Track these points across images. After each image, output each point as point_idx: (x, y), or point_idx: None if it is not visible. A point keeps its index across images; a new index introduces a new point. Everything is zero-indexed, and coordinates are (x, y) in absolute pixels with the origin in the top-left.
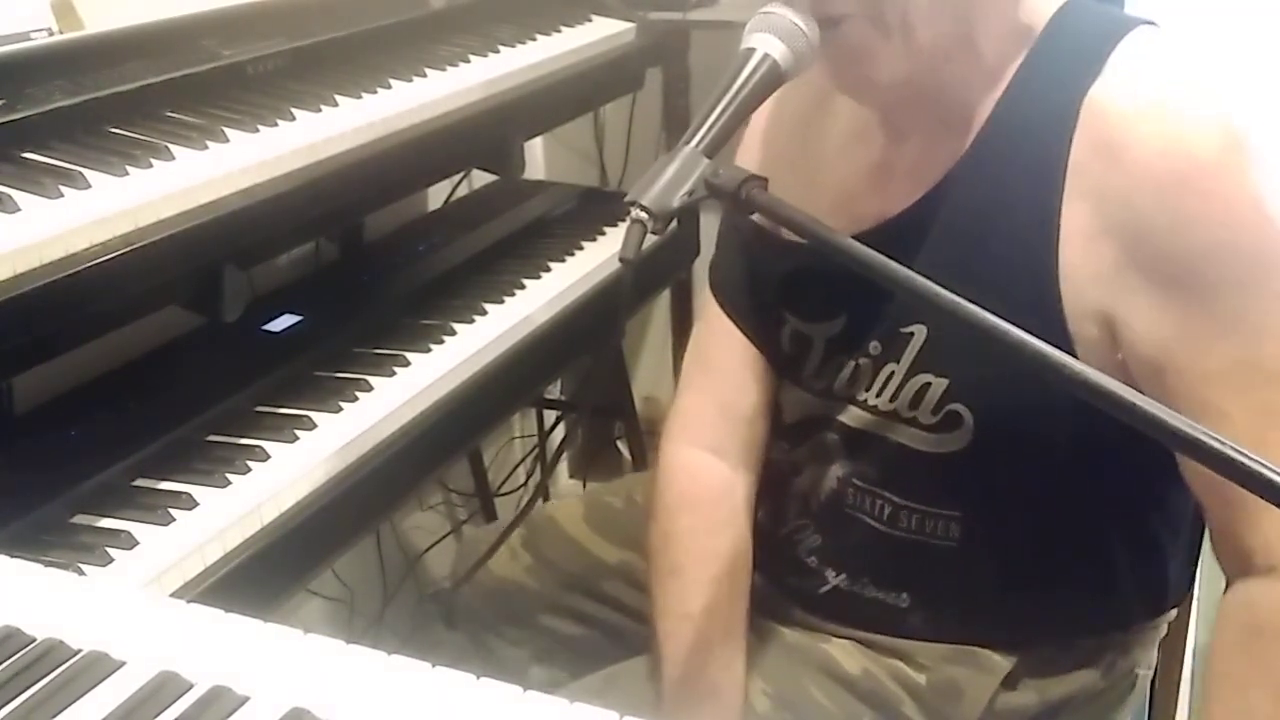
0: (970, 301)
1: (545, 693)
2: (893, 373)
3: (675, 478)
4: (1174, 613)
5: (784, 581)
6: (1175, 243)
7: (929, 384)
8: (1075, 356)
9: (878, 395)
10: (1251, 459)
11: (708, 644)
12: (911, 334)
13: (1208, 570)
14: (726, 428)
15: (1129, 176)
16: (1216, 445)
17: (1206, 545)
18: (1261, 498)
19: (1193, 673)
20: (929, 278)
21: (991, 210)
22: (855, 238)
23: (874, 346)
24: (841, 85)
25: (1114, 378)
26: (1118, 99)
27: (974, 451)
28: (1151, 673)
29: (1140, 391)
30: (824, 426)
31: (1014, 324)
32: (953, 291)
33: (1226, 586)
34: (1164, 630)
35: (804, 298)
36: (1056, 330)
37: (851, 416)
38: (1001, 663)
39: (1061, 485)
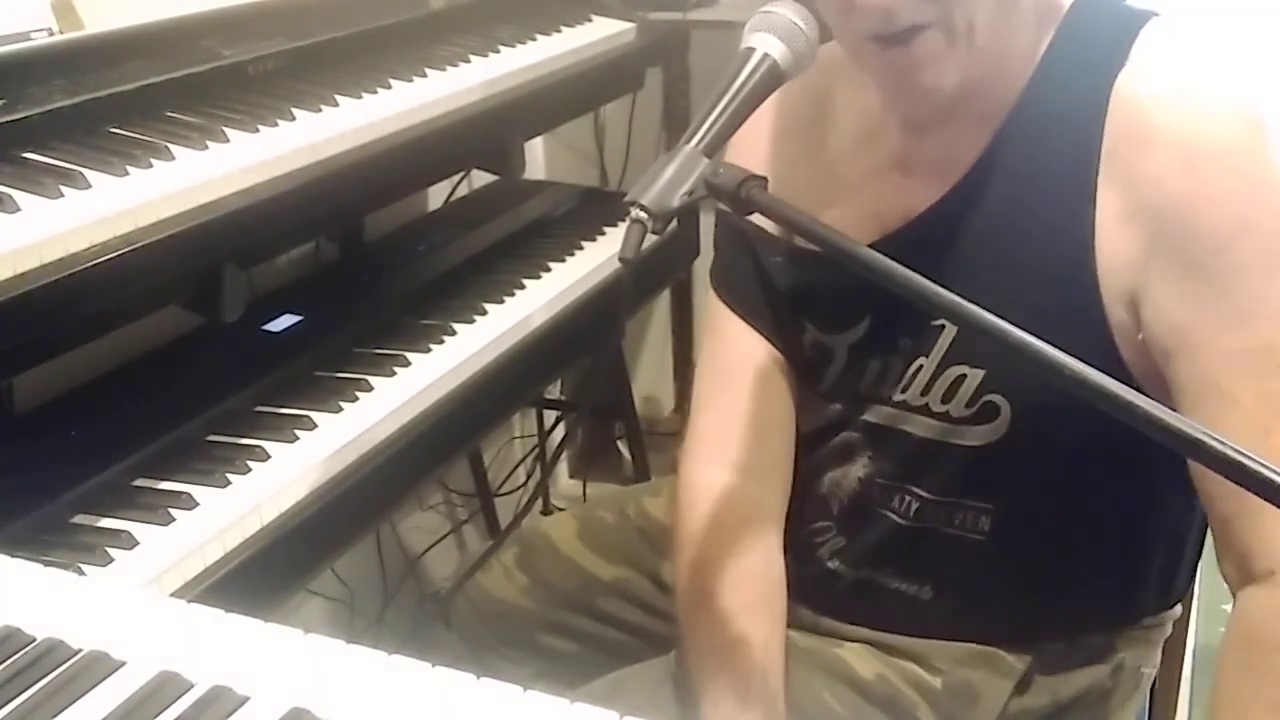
0: (1008, 291)
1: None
2: (922, 366)
3: (698, 501)
4: (1179, 609)
5: (801, 583)
6: (1202, 221)
7: (964, 376)
8: (1114, 343)
9: (904, 390)
10: (1253, 459)
11: (748, 677)
12: (942, 326)
13: (1207, 569)
14: (751, 441)
15: (1159, 159)
16: (1218, 446)
17: (1209, 541)
18: (1262, 498)
19: (1193, 672)
20: (964, 270)
21: (1024, 200)
22: (884, 239)
23: (903, 343)
24: (904, 98)
25: (1136, 361)
26: (1145, 86)
27: (1010, 442)
28: (1153, 671)
29: (1157, 372)
30: (845, 428)
31: (1053, 314)
32: (990, 282)
33: (1233, 600)
34: (1169, 629)
35: (822, 308)
36: (1096, 318)
37: (877, 414)
38: (1015, 664)
39: (1095, 475)
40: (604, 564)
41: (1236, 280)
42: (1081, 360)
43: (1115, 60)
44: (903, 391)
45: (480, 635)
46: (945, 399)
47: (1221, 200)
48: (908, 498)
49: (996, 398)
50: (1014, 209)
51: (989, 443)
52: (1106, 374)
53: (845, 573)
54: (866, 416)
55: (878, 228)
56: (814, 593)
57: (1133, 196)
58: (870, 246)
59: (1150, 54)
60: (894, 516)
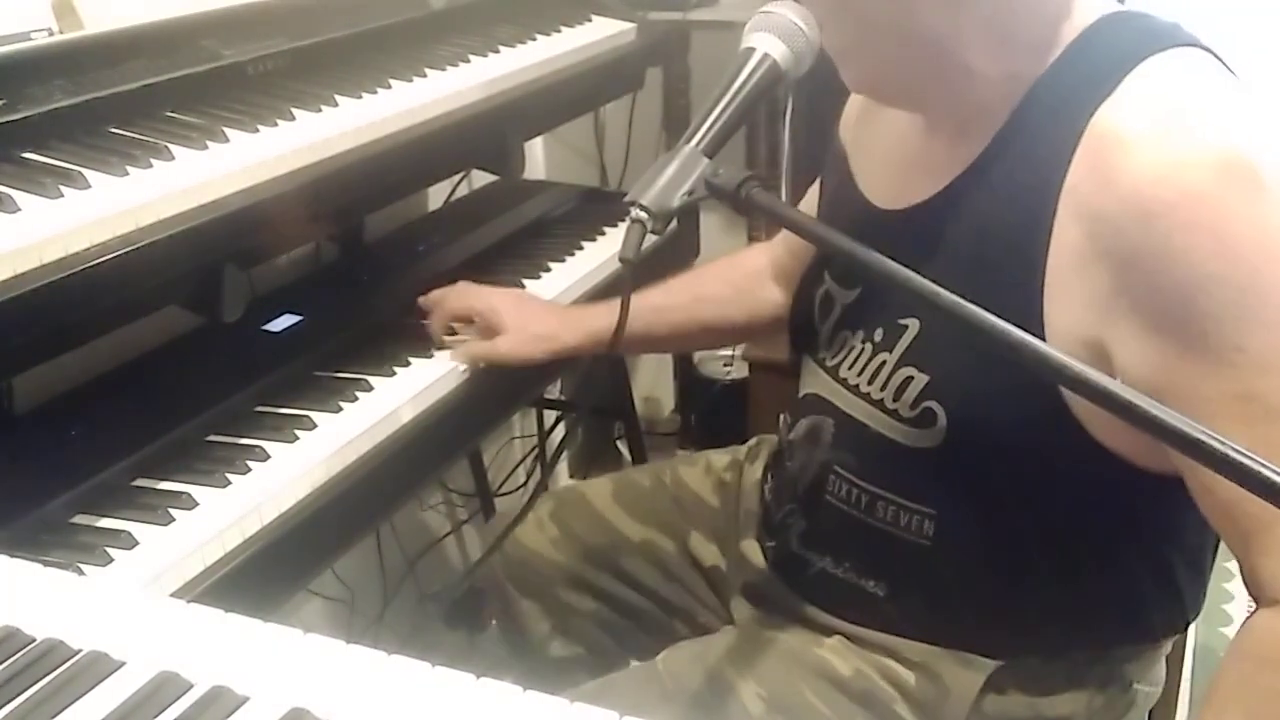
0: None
1: (560, 669)
2: (884, 362)
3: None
4: (1168, 637)
5: (780, 564)
6: (1164, 273)
7: (911, 378)
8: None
9: (869, 383)
10: (1254, 460)
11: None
12: (906, 326)
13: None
14: (772, 264)
15: (1120, 203)
16: (1218, 446)
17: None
18: (1264, 499)
19: (1192, 673)
20: (928, 272)
21: (993, 217)
22: (881, 215)
23: (878, 333)
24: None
25: (1075, 403)
26: (1120, 122)
27: (946, 450)
28: (1156, 690)
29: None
30: (822, 408)
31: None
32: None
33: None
34: (1165, 648)
35: (839, 260)
36: None
37: (845, 401)
38: (987, 663)
39: (1033, 496)
40: (634, 524)
41: (1210, 331)
42: (1018, 393)
43: (1104, 88)
44: (868, 383)
45: (503, 584)
46: (895, 398)
47: (1180, 253)
48: (856, 490)
49: (934, 404)
50: (980, 225)
51: (929, 447)
52: (1043, 408)
53: (812, 559)
54: (837, 401)
55: (876, 200)
56: (790, 575)
57: (1095, 236)
58: (860, 218)
59: (1138, 88)
60: (846, 507)
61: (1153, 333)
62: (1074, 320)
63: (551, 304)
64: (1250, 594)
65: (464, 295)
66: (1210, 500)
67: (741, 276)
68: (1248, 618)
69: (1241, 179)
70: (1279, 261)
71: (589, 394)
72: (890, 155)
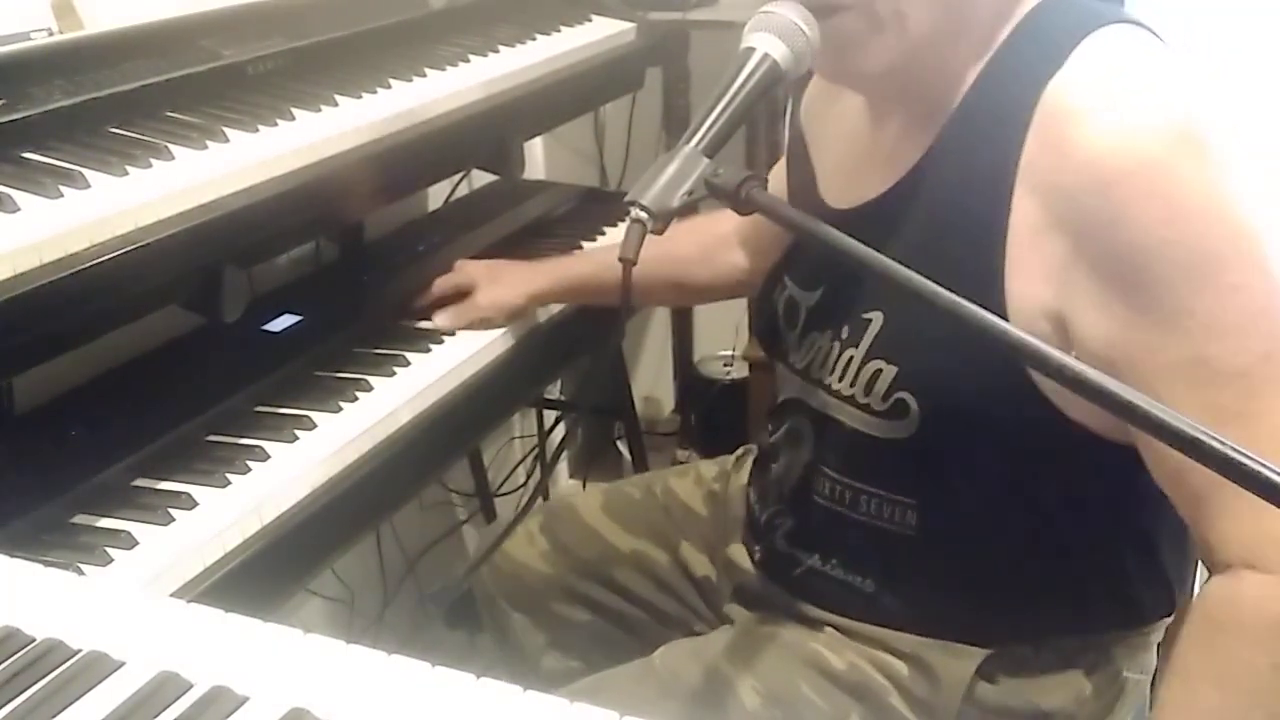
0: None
1: (555, 681)
2: (852, 357)
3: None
4: (1158, 621)
5: (770, 563)
6: (1119, 240)
7: (880, 371)
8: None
9: (840, 380)
10: (1255, 459)
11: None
12: (870, 320)
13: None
14: (738, 229)
15: (1075, 173)
16: (1217, 445)
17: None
18: (1261, 497)
19: None
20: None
21: (951, 202)
22: (830, 216)
23: (844, 330)
24: (830, 74)
25: (1042, 381)
26: (1071, 94)
27: (921, 440)
28: (1148, 677)
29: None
30: (799, 410)
31: None
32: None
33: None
34: (1155, 636)
35: (800, 264)
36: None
37: (819, 400)
38: (977, 652)
39: (1010, 477)
40: (625, 535)
41: (1162, 295)
42: (987, 376)
43: (1052, 65)
44: (839, 380)
45: (494, 598)
46: (866, 392)
47: (1136, 220)
48: (840, 487)
49: (906, 395)
50: (941, 211)
51: (904, 438)
52: (1011, 387)
53: (800, 557)
54: (812, 402)
55: (832, 202)
56: (779, 574)
57: (1051, 208)
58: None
59: (1085, 62)
60: (831, 505)
61: (1107, 299)
62: (1034, 293)
63: (529, 262)
64: (1204, 562)
65: (444, 277)
66: (1161, 468)
67: (710, 238)
68: (1206, 583)
69: (1191, 146)
70: (1227, 228)
71: (589, 394)
72: (841, 154)
